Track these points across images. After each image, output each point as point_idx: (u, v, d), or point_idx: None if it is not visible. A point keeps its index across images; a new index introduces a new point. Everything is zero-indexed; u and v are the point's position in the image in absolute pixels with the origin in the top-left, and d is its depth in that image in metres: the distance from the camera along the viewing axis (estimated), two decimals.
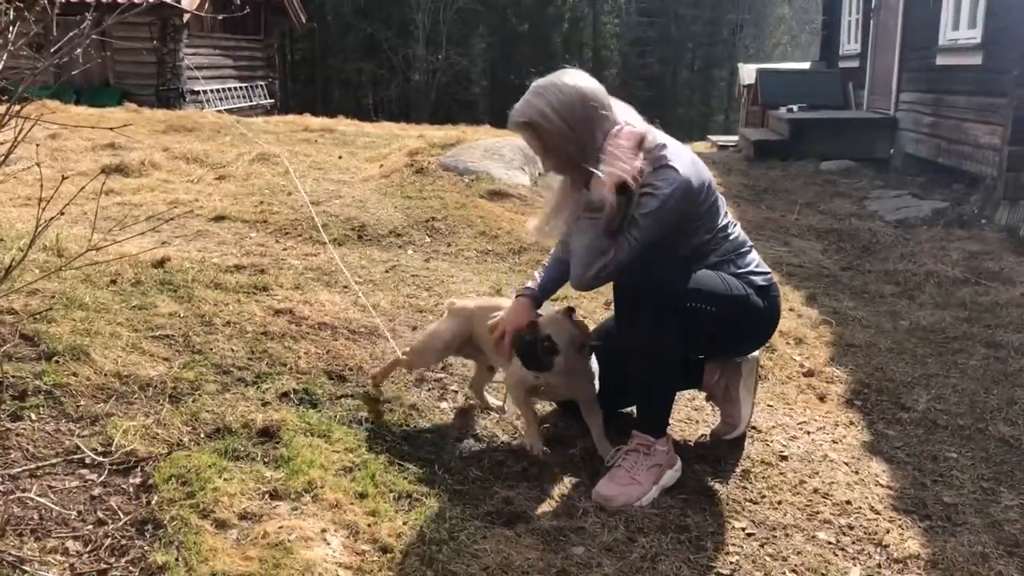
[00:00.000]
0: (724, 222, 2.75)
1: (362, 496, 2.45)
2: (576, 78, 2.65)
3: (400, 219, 5.54)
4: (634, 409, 3.09)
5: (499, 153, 7.04)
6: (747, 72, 16.79)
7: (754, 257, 2.80)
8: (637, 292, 2.57)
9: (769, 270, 2.81)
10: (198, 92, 17.57)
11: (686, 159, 2.62)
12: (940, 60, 9.10)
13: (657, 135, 2.66)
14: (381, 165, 7.26)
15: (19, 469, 2.40)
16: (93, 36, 2.94)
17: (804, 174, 9.25)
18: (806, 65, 15.94)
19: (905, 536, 2.51)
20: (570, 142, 2.59)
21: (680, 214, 2.59)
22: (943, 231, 6.62)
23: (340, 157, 8.10)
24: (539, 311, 2.85)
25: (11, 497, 2.27)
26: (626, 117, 2.68)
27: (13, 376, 2.78)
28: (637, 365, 2.67)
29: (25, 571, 2.03)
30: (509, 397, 2.96)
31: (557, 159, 2.68)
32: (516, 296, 2.91)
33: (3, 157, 2.62)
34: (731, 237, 2.74)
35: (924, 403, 3.40)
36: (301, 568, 2.10)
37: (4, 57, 2.81)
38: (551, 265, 2.94)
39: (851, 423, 3.23)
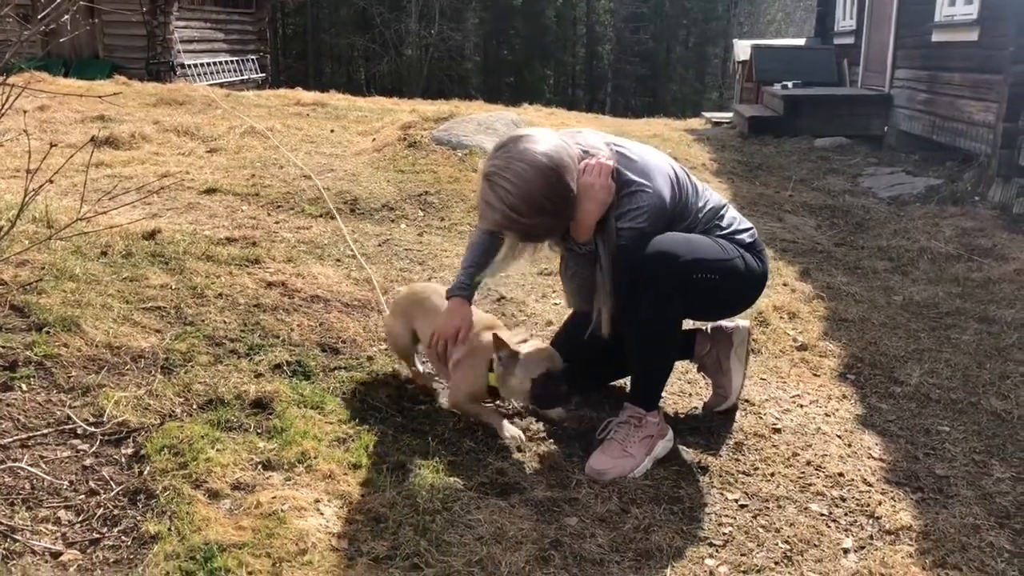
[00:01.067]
0: (700, 202, 2.72)
1: (355, 467, 2.44)
2: (528, 152, 2.44)
3: (393, 193, 5.51)
4: (623, 382, 3.10)
5: (492, 127, 7.00)
6: (742, 48, 16.69)
7: (733, 215, 2.79)
8: (644, 268, 2.51)
9: (750, 225, 2.81)
10: (188, 66, 17.41)
11: (656, 180, 2.57)
12: (936, 37, 9.06)
13: (622, 150, 2.61)
14: (374, 139, 7.21)
15: (10, 439, 2.39)
16: (81, 3, 2.90)
17: (798, 151, 9.23)
18: (801, 41, 15.85)
19: (897, 508, 2.52)
20: (552, 222, 2.51)
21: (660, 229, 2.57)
22: (936, 208, 6.62)
23: (332, 131, 8.04)
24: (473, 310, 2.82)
25: (2, 467, 2.26)
26: (587, 144, 2.61)
27: (3, 347, 2.76)
28: (637, 340, 2.63)
29: (16, 540, 2.02)
30: (458, 407, 2.84)
31: (547, 237, 2.63)
32: (448, 296, 2.81)
33: None
34: (707, 207, 2.73)
35: (917, 377, 3.40)
36: (294, 538, 2.10)
37: None
38: (473, 250, 2.85)
39: (844, 396, 3.23)
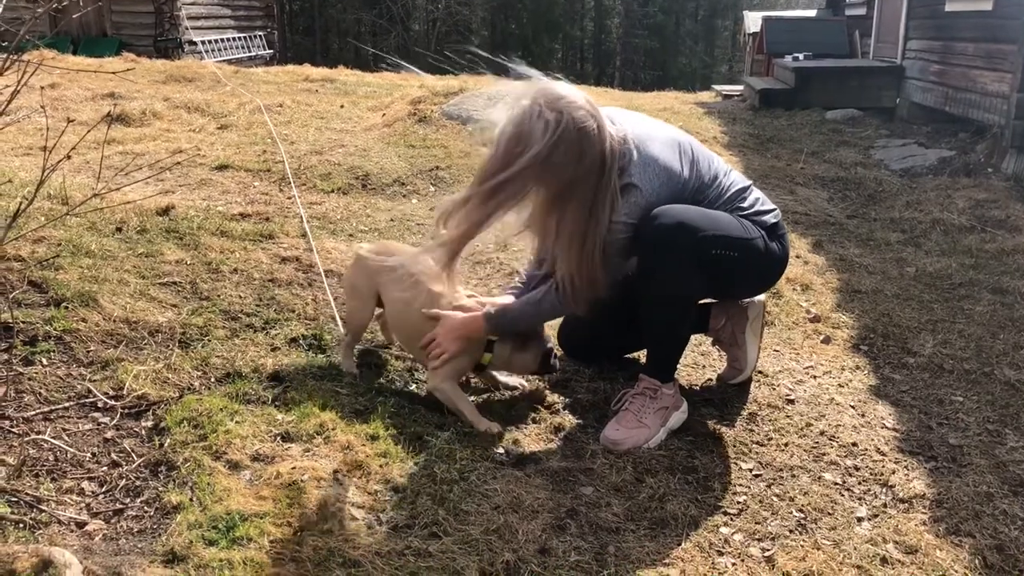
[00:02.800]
0: (721, 180, 2.69)
1: (373, 438, 2.47)
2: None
3: (404, 168, 5.52)
4: (640, 355, 3.12)
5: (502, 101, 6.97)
6: (752, 20, 16.56)
7: (757, 196, 2.76)
8: (663, 238, 2.48)
9: (774, 207, 2.79)
10: (196, 43, 17.37)
11: (653, 168, 2.53)
12: (949, 7, 8.95)
13: (626, 134, 2.55)
14: (383, 114, 7.21)
15: (33, 412, 2.42)
16: None
17: (809, 123, 9.17)
18: (812, 13, 15.72)
19: (911, 476, 2.53)
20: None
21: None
22: (949, 180, 6.58)
23: (342, 106, 8.03)
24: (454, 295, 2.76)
25: (26, 439, 2.29)
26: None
27: (23, 322, 2.79)
28: (654, 311, 2.62)
29: (42, 510, 2.06)
30: (439, 387, 2.69)
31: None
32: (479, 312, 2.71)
33: (5, 103, 2.60)
34: (725, 187, 2.69)
35: (930, 348, 3.41)
36: (315, 507, 2.13)
37: (3, 2, 2.78)
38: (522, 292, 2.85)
39: (857, 367, 3.24)
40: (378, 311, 2.97)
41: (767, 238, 2.69)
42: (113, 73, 3.84)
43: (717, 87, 14.79)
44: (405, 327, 2.83)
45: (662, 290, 2.56)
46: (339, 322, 3.13)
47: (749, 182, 2.79)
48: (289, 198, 4.68)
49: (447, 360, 2.67)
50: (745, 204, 2.70)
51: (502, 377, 2.91)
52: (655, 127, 2.65)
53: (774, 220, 2.74)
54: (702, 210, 2.58)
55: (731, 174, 2.76)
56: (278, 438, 2.43)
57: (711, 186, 2.66)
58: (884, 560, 2.17)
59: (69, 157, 2.46)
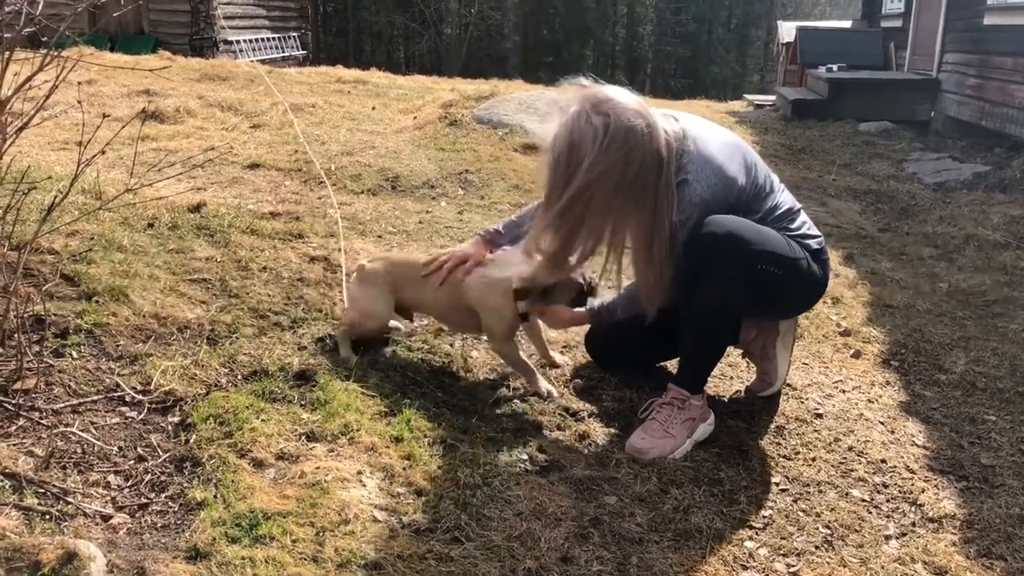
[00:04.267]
0: (773, 199, 2.66)
1: (397, 440, 2.46)
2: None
3: (433, 170, 5.52)
4: (667, 364, 3.09)
5: (533, 107, 6.98)
6: (786, 30, 16.46)
7: (804, 220, 2.73)
8: (715, 247, 2.46)
9: (819, 234, 2.74)
10: (231, 42, 17.53)
11: (710, 167, 2.51)
12: (988, 20, 8.85)
13: (685, 131, 2.54)
14: (415, 117, 7.23)
15: (62, 404, 2.44)
16: None
17: (842, 135, 9.10)
18: (847, 24, 15.59)
19: (941, 496, 2.49)
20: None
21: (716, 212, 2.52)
22: (984, 195, 6.49)
23: (373, 108, 8.07)
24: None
25: (55, 431, 2.31)
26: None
27: (55, 314, 2.81)
28: (694, 321, 2.58)
29: (69, 502, 2.07)
30: (502, 350, 2.88)
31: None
32: (477, 235, 2.95)
33: (44, 98, 2.63)
34: (777, 204, 2.66)
35: (963, 365, 3.35)
36: (338, 508, 2.13)
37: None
38: (524, 214, 2.94)
39: (887, 383, 3.20)
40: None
41: (809, 260, 2.65)
42: (149, 70, 3.89)
43: (749, 96, 14.71)
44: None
45: (706, 300, 2.52)
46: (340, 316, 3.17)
47: (799, 206, 2.76)
48: (320, 198, 4.70)
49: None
50: (794, 225, 2.67)
51: (552, 352, 3.10)
52: (715, 129, 2.63)
53: (818, 246, 2.70)
54: (752, 223, 2.54)
55: (784, 192, 2.72)
56: (303, 437, 2.43)
57: (764, 199, 2.63)
58: None
59: (103, 152, 2.48)
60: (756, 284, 2.52)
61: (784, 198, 2.71)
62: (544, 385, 2.86)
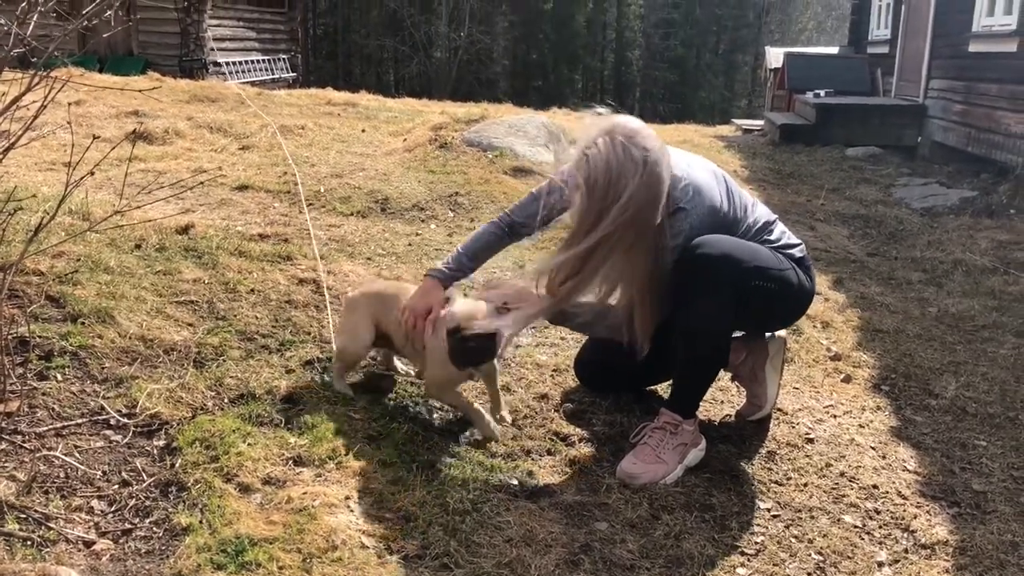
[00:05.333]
0: (750, 216, 2.68)
1: (386, 465, 2.44)
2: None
3: (423, 193, 5.52)
4: (658, 388, 3.08)
5: (523, 130, 6.99)
6: (774, 55, 16.60)
7: (782, 229, 2.76)
8: (710, 268, 2.46)
9: (799, 241, 2.78)
10: (221, 64, 17.56)
11: (699, 195, 2.53)
12: (973, 47, 8.95)
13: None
14: (404, 139, 7.23)
15: (45, 428, 2.41)
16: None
17: (830, 159, 9.15)
18: (834, 50, 15.74)
19: (933, 522, 2.47)
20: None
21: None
22: (971, 220, 6.53)
23: (363, 131, 8.07)
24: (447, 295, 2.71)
25: (38, 455, 2.27)
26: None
27: (39, 336, 2.78)
28: (688, 344, 2.57)
29: (51, 527, 2.03)
30: (439, 398, 2.79)
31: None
32: (424, 276, 2.77)
33: (32, 118, 2.61)
34: (754, 220, 2.69)
35: (953, 390, 3.35)
36: (325, 534, 2.09)
37: (35, 18, 2.80)
38: (479, 238, 2.83)
39: (878, 408, 3.19)
40: None
41: (795, 269, 2.67)
42: (139, 91, 3.88)
43: (737, 121, 14.80)
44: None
45: (700, 322, 2.52)
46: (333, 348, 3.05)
47: (774, 216, 2.78)
48: (310, 220, 4.69)
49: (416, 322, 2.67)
50: (772, 237, 2.70)
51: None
52: (694, 158, 2.66)
53: (800, 254, 2.73)
54: (741, 241, 2.57)
55: (758, 207, 2.75)
56: (290, 462, 2.40)
57: (743, 218, 2.65)
58: None
59: (92, 174, 2.46)
60: (751, 300, 2.54)
61: (759, 212, 2.74)
62: (491, 428, 2.68)
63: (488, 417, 2.72)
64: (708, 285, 2.48)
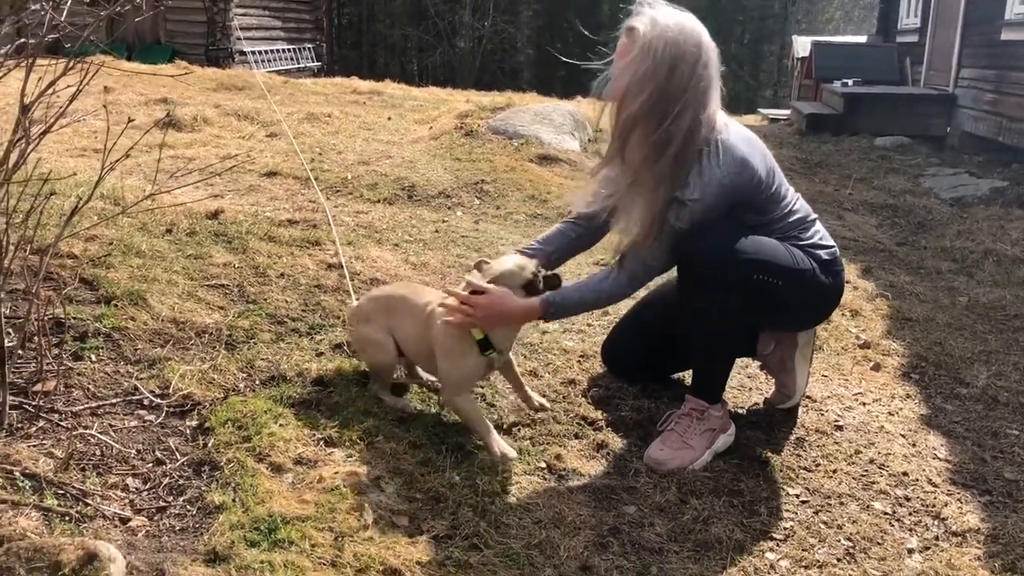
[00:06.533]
0: (787, 206, 2.63)
1: (415, 446, 2.45)
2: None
3: (449, 180, 5.53)
4: (685, 375, 3.07)
5: (549, 118, 6.98)
6: (801, 44, 16.45)
7: (818, 229, 2.69)
8: (707, 260, 2.46)
9: (833, 243, 2.71)
10: (247, 53, 17.63)
11: (731, 155, 2.47)
12: (1005, 35, 8.82)
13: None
14: (430, 127, 7.24)
15: (81, 407, 2.44)
16: None
17: (857, 149, 9.07)
18: (862, 39, 15.58)
19: (964, 510, 2.46)
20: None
21: (729, 203, 2.49)
22: (1001, 210, 6.45)
23: (389, 119, 8.09)
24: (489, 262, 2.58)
25: (74, 433, 2.31)
26: None
27: (74, 318, 2.82)
28: (696, 331, 2.58)
29: (88, 504, 2.07)
30: (454, 403, 2.57)
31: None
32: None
33: (68, 101, 2.64)
34: (792, 212, 2.63)
35: (984, 379, 3.32)
36: (356, 513, 2.11)
37: (68, 3, 2.83)
38: (555, 237, 2.80)
39: (908, 396, 3.17)
40: None
41: (817, 270, 2.60)
42: (171, 76, 3.91)
43: (763, 111, 14.69)
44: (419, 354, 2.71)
45: (702, 311, 2.52)
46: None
47: (815, 215, 2.72)
48: (337, 206, 4.71)
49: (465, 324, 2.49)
50: (806, 235, 2.63)
51: (527, 388, 2.74)
52: (741, 128, 2.61)
53: (829, 256, 2.65)
54: (751, 236, 2.52)
55: (799, 202, 2.69)
56: (321, 442, 2.42)
57: (778, 203, 2.60)
58: None
59: (128, 155, 2.49)
60: (755, 294, 2.50)
61: (799, 206, 2.68)
62: (500, 447, 2.47)
63: (498, 438, 2.51)
64: (706, 274, 2.48)
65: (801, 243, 2.62)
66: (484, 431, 2.51)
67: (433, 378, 2.80)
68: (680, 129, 2.40)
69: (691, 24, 2.45)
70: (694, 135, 2.42)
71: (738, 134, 2.53)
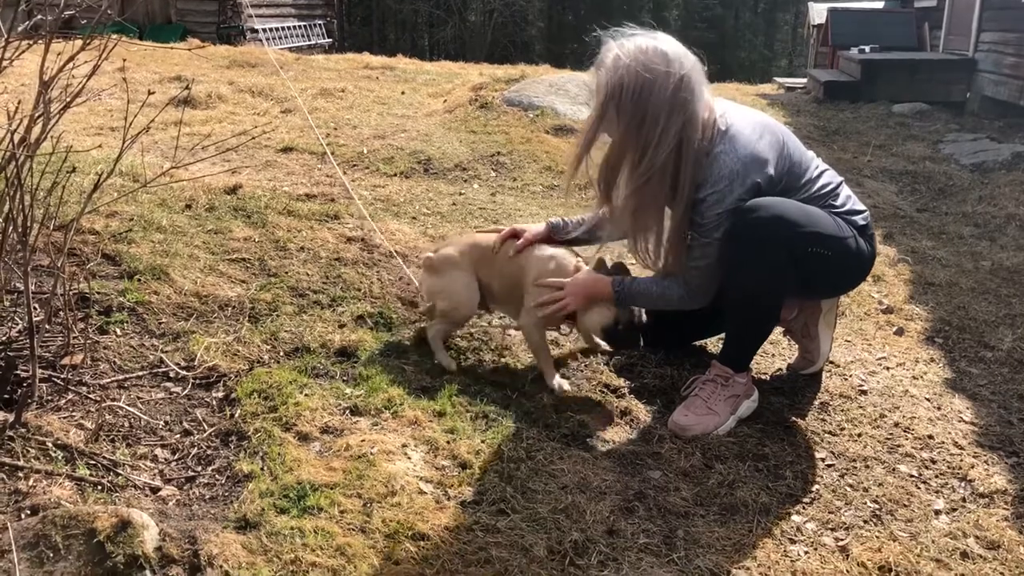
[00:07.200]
0: (813, 174, 2.60)
1: (440, 414, 2.46)
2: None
3: (465, 153, 5.51)
4: (707, 342, 3.07)
5: (563, 88, 6.94)
6: (817, 11, 16.23)
7: (848, 194, 2.66)
8: (763, 231, 2.41)
9: (864, 208, 2.68)
10: (258, 30, 17.58)
11: (737, 144, 2.45)
12: None
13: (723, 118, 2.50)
14: (445, 100, 7.21)
15: (108, 380, 2.46)
16: None
17: (876, 116, 8.96)
18: (879, 5, 15.35)
19: (991, 471, 2.45)
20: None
21: (749, 185, 2.46)
22: (1023, 175, 6.37)
23: (403, 93, 8.06)
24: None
25: (103, 405, 2.33)
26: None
27: (98, 293, 2.84)
28: (741, 305, 2.55)
29: (119, 474, 2.09)
30: (529, 327, 2.76)
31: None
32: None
33: (87, 77, 2.64)
34: (818, 182, 2.60)
35: (1009, 342, 3.30)
36: (384, 480, 2.13)
37: None
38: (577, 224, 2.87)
39: (932, 360, 3.15)
40: None
41: (858, 237, 2.59)
42: (188, 49, 3.89)
43: (779, 79, 14.53)
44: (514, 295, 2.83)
45: (753, 285, 2.48)
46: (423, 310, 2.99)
47: (840, 179, 2.69)
48: (354, 180, 4.71)
49: (563, 310, 2.67)
50: (838, 202, 2.60)
51: (597, 338, 2.89)
52: (744, 110, 2.58)
53: (864, 221, 2.64)
54: (800, 205, 2.49)
55: (823, 168, 2.66)
56: (347, 412, 2.44)
57: (801, 177, 2.56)
58: (964, 555, 2.10)
59: (148, 129, 2.49)
60: (806, 266, 2.48)
61: (825, 175, 2.65)
62: (557, 381, 2.72)
63: (555, 372, 2.75)
64: (762, 248, 2.42)
65: (836, 210, 2.59)
66: (545, 362, 2.74)
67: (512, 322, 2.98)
68: (664, 149, 2.39)
69: (652, 45, 2.41)
70: (686, 146, 2.41)
71: (743, 119, 2.51)
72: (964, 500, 2.33)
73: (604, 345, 2.92)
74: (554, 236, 2.82)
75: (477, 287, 2.83)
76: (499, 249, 2.80)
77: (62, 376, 2.39)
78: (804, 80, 12.74)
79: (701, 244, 2.50)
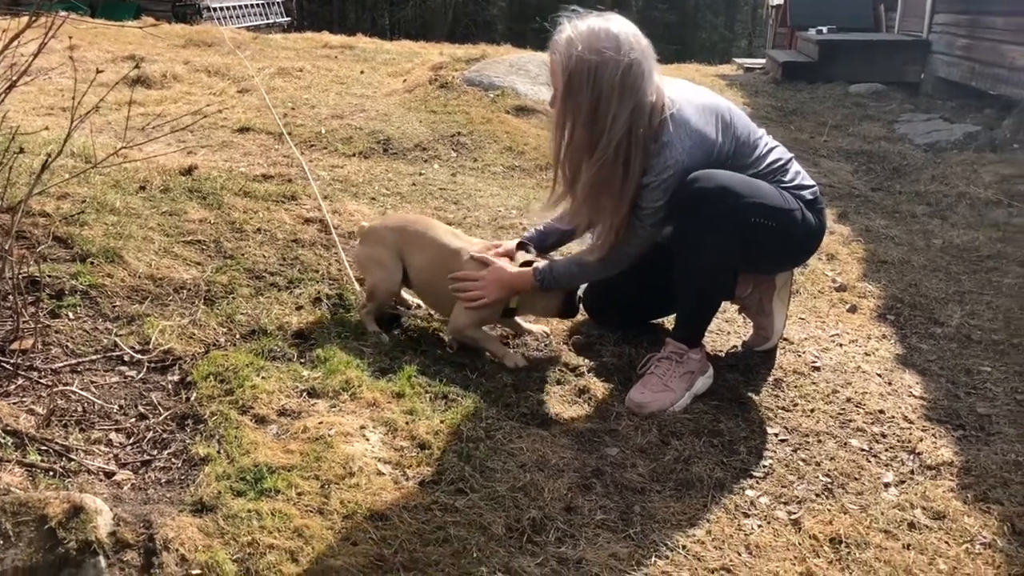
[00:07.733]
0: (762, 149, 2.64)
1: (399, 395, 2.46)
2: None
3: (425, 133, 5.48)
4: (664, 320, 3.10)
5: (524, 68, 6.92)
6: None
7: (798, 170, 2.70)
8: (707, 201, 2.44)
9: (814, 183, 2.73)
10: (214, 9, 17.29)
11: (685, 130, 2.49)
12: None
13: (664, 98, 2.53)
14: (404, 80, 7.16)
15: (60, 364, 2.43)
16: None
17: (832, 96, 9.06)
18: None
19: (938, 444, 2.51)
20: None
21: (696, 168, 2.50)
22: (974, 155, 6.48)
23: (362, 72, 7.99)
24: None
25: (55, 390, 2.30)
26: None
27: (49, 276, 2.79)
28: (689, 277, 2.59)
29: (71, 459, 2.07)
30: (463, 334, 2.79)
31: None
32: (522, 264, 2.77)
33: (33, 55, 2.59)
34: (766, 158, 2.64)
35: (958, 318, 3.37)
36: (342, 461, 2.13)
37: None
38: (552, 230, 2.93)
39: (883, 336, 3.21)
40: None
41: (804, 210, 2.63)
42: (141, 28, 3.82)
43: (738, 60, 14.60)
44: (433, 285, 2.85)
45: (698, 256, 2.52)
46: (357, 290, 3.09)
47: (790, 155, 2.73)
48: (311, 160, 4.67)
49: (482, 306, 2.72)
50: (787, 177, 2.65)
51: (525, 324, 2.98)
52: (692, 92, 2.61)
53: (812, 196, 2.68)
54: (743, 177, 2.53)
55: (772, 145, 2.70)
56: (304, 394, 2.43)
57: (750, 155, 2.60)
58: (912, 525, 2.16)
59: (97, 109, 2.45)
60: (750, 236, 2.52)
61: (775, 152, 2.69)
62: (512, 357, 2.76)
63: (510, 351, 2.81)
64: (705, 218, 2.46)
65: (784, 185, 2.63)
66: (496, 348, 2.78)
67: (421, 303, 3.02)
68: (617, 133, 2.42)
69: (604, 27, 2.43)
70: (635, 131, 2.43)
71: (690, 104, 2.54)
72: (912, 472, 2.39)
73: (531, 327, 2.98)
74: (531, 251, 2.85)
75: (400, 267, 2.85)
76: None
77: (11, 361, 2.35)
78: (763, 61, 12.82)
79: (637, 229, 2.56)
